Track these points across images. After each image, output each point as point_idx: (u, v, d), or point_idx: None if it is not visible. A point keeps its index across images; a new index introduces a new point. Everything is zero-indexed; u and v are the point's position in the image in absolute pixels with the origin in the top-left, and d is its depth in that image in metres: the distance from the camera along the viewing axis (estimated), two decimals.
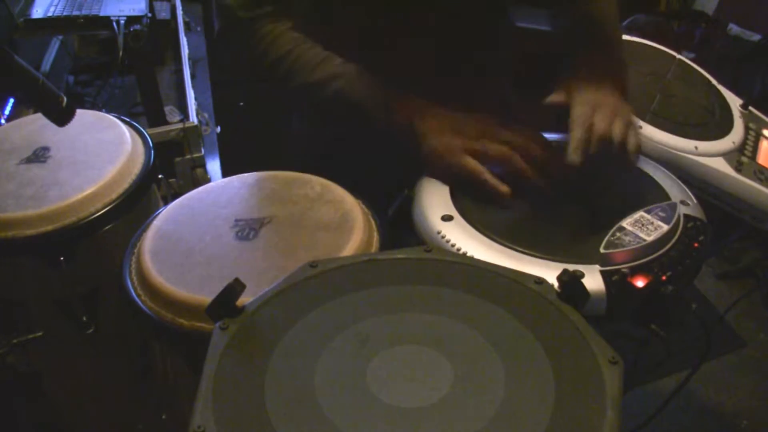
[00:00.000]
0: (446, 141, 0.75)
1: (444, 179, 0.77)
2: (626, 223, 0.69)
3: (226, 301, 0.54)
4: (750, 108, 1.00)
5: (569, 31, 0.91)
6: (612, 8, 0.90)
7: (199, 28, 2.19)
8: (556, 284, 0.56)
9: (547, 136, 0.86)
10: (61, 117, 0.77)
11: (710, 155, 0.88)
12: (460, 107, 0.79)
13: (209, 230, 0.76)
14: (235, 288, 0.54)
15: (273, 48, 0.82)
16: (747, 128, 0.96)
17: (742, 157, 0.90)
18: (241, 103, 2.53)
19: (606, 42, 0.86)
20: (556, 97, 0.77)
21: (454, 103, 0.79)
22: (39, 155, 0.93)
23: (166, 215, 0.79)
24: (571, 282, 0.54)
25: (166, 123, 1.57)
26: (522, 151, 0.74)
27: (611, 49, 0.85)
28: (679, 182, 0.80)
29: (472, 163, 0.74)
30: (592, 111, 0.74)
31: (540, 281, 0.57)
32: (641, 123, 0.89)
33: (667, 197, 0.75)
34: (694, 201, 0.76)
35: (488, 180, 0.73)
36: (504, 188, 0.72)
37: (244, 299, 0.55)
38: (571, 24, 0.91)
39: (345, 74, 0.80)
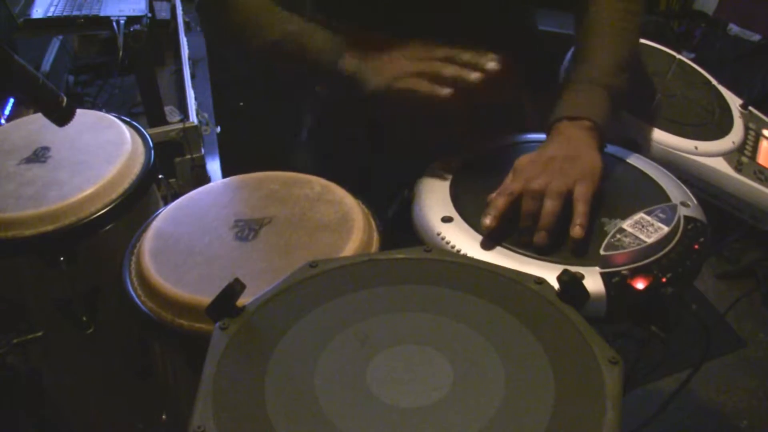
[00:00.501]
0: (385, 76, 0.76)
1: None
2: (626, 224, 0.69)
3: (226, 301, 0.54)
4: (750, 108, 1.00)
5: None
6: (623, 22, 0.84)
7: (199, 28, 2.19)
8: (556, 284, 0.56)
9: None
10: (61, 117, 0.77)
11: (710, 155, 0.88)
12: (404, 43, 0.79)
13: (209, 231, 0.76)
14: (234, 288, 0.54)
15: (241, 10, 0.83)
16: (747, 128, 0.96)
17: (742, 157, 0.90)
18: (241, 103, 2.53)
19: (588, 70, 0.81)
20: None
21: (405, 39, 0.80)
22: (39, 155, 0.93)
23: (166, 215, 0.79)
24: (571, 282, 0.54)
25: (166, 123, 1.57)
26: (450, 60, 0.75)
27: (589, 82, 0.80)
28: (680, 183, 0.79)
29: (407, 81, 0.75)
30: (543, 172, 0.71)
31: (540, 281, 0.57)
32: (641, 123, 0.89)
33: (667, 198, 0.75)
34: (695, 202, 0.76)
35: (424, 88, 0.73)
36: (443, 91, 0.72)
37: (244, 299, 0.55)
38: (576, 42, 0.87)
39: (299, 32, 0.81)
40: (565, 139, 0.75)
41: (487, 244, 0.68)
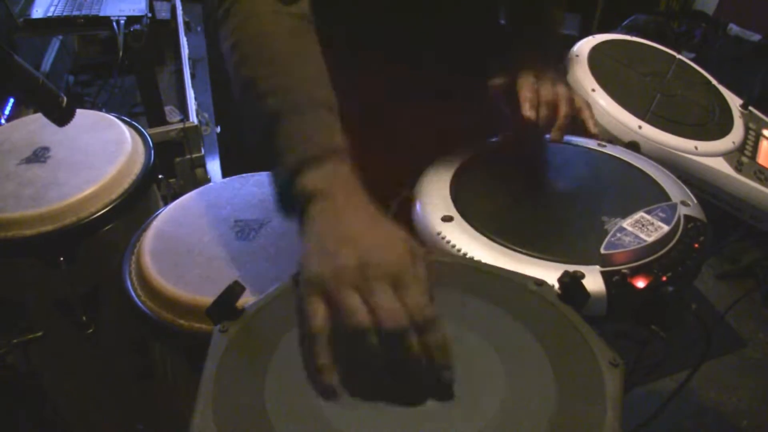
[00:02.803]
0: (318, 258, 0.51)
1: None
2: (627, 223, 0.69)
3: (226, 303, 0.54)
4: (750, 108, 1.00)
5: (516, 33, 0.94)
6: (554, 28, 0.94)
7: (199, 28, 2.19)
8: (556, 286, 0.56)
9: (547, 135, 0.86)
10: (61, 117, 0.77)
11: (710, 155, 0.88)
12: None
13: (209, 231, 0.76)
14: (234, 290, 0.54)
15: (245, 25, 0.64)
16: (747, 128, 0.96)
17: (742, 157, 0.90)
18: None
19: (545, 46, 0.89)
20: (499, 80, 0.84)
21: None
22: (39, 155, 0.93)
23: (166, 216, 0.79)
24: (571, 284, 0.54)
25: (166, 123, 1.56)
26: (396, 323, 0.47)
27: (549, 51, 0.89)
28: (680, 182, 0.79)
29: (318, 314, 0.49)
30: (536, 80, 0.81)
31: (540, 283, 0.57)
32: (641, 123, 0.89)
33: (667, 198, 0.75)
34: (695, 201, 0.76)
35: (317, 354, 0.48)
36: (330, 379, 0.47)
37: (244, 300, 0.55)
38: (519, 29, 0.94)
39: (292, 96, 0.61)
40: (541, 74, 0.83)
41: (487, 244, 0.68)
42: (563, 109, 0.80)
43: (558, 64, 0.94)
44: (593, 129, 0.81)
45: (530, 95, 0.80)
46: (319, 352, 0.47)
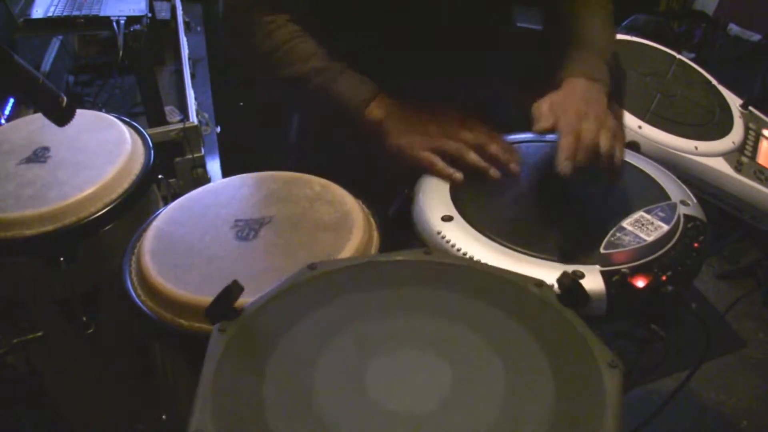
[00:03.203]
0: (410, 139, 0.81)
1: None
2: (626, 223, 0.69)
3: (225, 304, 0.54)
4: (750, 108, 1.00)
5: (556, 33, 0.91)
6: (601, 9, 0.90)
7: (199, 28, 2.19)
8: (556, 287, 0.56)
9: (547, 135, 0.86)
10: (61, 117, 0.77)
11: (710, 155, 0.88)
12: (430, 107, 0.84)
13: (209, 230, 0.76)
14: (233, 290, 0.54)
15: (270, 38, 0.85)
16: (747, 128, 0.96)
17: (742, 157, 0.90)
18: (241, 103, 2.53)
19: (591, 47, 0.86)
20: (544, 123, 0.77)
21: (431, 103, 0.84)
22: (39, 155, 0.93)
23: (166, 215, 0.79)
24: (571, 285, 0.54)
25: (166, 123, 1.56)
26: (477, 148, 0.79)
27: (596, 55, 0.85)
28: (679, 182, 0.80)
29: (425, 155, 0.79)
30: (578, 121, 0.74)
31: (540, 284, 0.57)
32: (641, 123, 0.89)
33: (667, 197, 0.75)
34: (694, 201, 0.76)
35: (439, 168, 0.78)
36: (456, 174, 0.78)
37: (244, 300, 0.55)
38: (558, 27, 0.91)
39: (328, 70, 0.84)
40: (585, 94, 0.79)
41: (487, 244, 0.68)
42: (605, 157, 0.73)
43: (609, 68, 0.85)
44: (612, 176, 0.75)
45: (569, 144, 0.72)
46: (443, 167, 0.79)
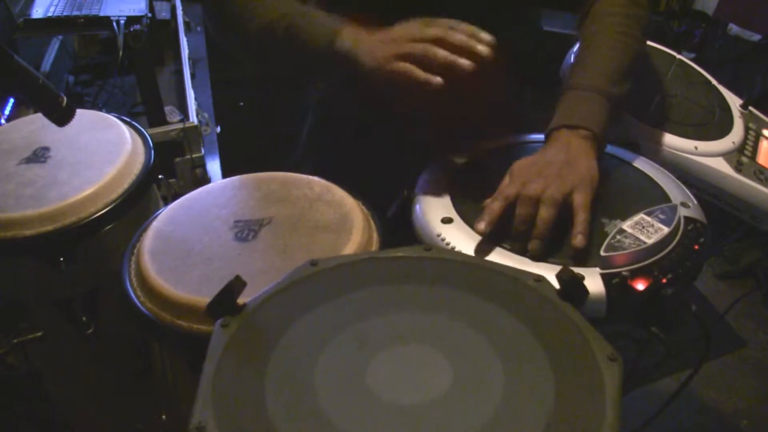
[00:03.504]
0: (377, 55, 0.75)
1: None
2: (626, 225, 0.69)
3: (227, 299, 0.54)
4: (750, 108, 1.00)
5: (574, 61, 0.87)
6: (627, 28, 0.83)
7: (199, 28, 2.19)
8: (555, 283, 0.56)
9: None
10: (61, 117, 0.77)
11: (710, 155, 0.88)
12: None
13: (209, 231, 0.76)
14: (235, 285, 0.54)
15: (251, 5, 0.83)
16: (747, 128, 0.96)
17: (742, 157, 0.90)
18: (241, 103, 2.53)
19: (585, 79, 0.80)
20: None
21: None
22: (39, 155, 0.93)
23: (166, 216, 0.79)
24: (570, 280, 0.54)
25: (166, 123, 1.56)
26: (440, 41, 0.72)
27: (587, 92, 0.79)
28: (680, 183, 0.79)
29: (401, 65, 0.72)
30: (526, 177, 0.71)
31: (539, 279, 0.57)
32: (641, 123, 0.89)
33: (667, 199, 0.75)
34: (695, 202, 0.76)
35: (417, 75, 0.71)
36: (435, 79, 0.70)
37: (244, 299, 0.55)
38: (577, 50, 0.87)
39: (295, 13, 0.81)
40: (564, 146, 0.74)
41: (487, 246, 0.68)
42: (542, 220, 0.68)
43: (608, 97, 0.78)
44: (573, 241, 0.68)
45: (497, 205, 0.69)
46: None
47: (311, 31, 0.79)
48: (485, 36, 0.73)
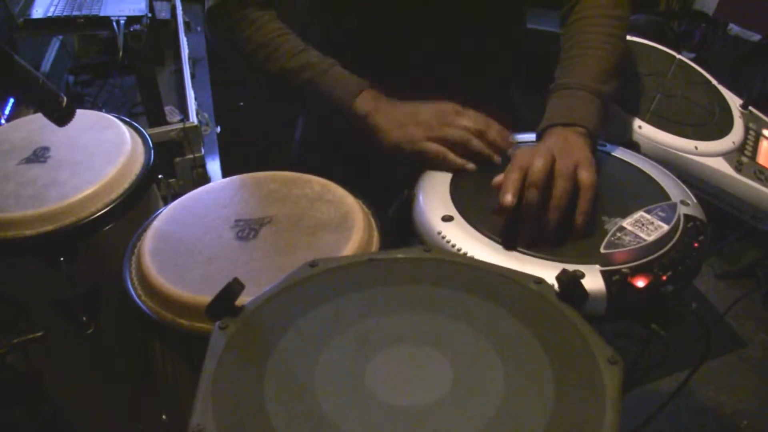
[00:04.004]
0: (407, 132, 0.79)
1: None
2: (626, 223, 0.69)
3: (225, 301, 0.54)
4: (750, 108, 1.00)
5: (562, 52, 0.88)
6: (612, 28, 0.85)
7: (199, 28, 2.19)
8: (555, 284, 0.56)
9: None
10: (61, 117, 0.77)
11: (710, 155, 0.88)
12: (420, 100, 0.82)
13: (209, 230, 0.76)
14: (234, 287, 0.54)
15: (258, 34, 0.85)
16: (747, 128, 0.96)
17: (742, 157, 0.90)
18: (241, 103, 2.53)
19: (577, 77, 0.81)
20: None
21: (414, 95, 0.82)
22: (39, 155, 0.93)
23: (166, 215, 0.79)
24: (570, 282, 0.54)
25: (166, 123, 1.57)
26: (478, 134, 0.79)
27: (580, 90, 0.80)
28: (679, 182, 0.80)
29: (434, 146, 0.78)
30: (530, 158, 0.69)
31: (539, 281, 0.57)
32: (641, 123, 0.89)
33: (667, 197, 0.75)
34: (694, 201, 0.76)
35: (451, 159, 0.78)
36: (469, 164, 0.78)
37: (244, 299, 0.55)
38: (563, 44, 0.88)
39: (318, 65, 0.83)
40: (561, 139, 0.75)
41: (487, 243, 0.68)
42: (559, 190, 0.67)
43: (599, 94, 0.80)
44: (576, 220, 0.68)
45: (512, 179, 0.68)
46: (454, 159, 0.78)
47: (332, 93, 0.82)
48: (513, 139, 0.81)
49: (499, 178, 0.70)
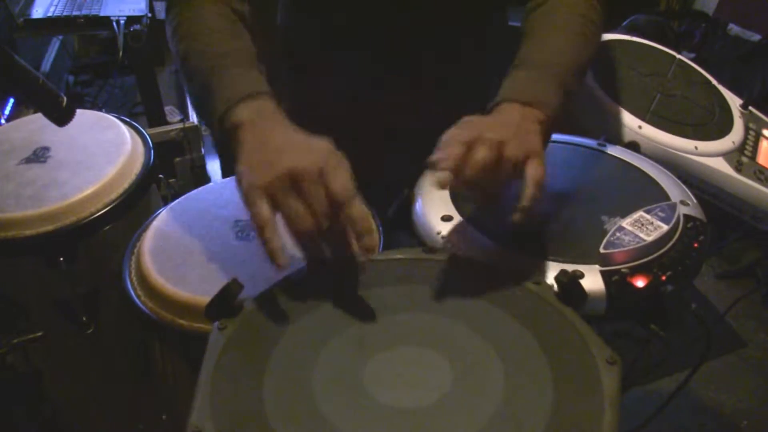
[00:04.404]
0: (251, 169, 0.59)
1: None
2: (626, 223, 0.69)
3: (224, 301, 0.54)
4: (750, 108, 1.00)
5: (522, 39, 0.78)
6: (578, 27, 0.75)
7: None
8: (554, 285, 0.56)
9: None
10: (61, 117, 0.77)
11: (710, 155, 0.88)
12: (308, 133, 0.62)
13: (209, 230, 0.76)
14: (232, 288, 0.54)
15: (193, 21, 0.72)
16: (747, 128, 0.96)
17: (742, 157, 0.90)
18: None
19: (540, 65, 0.71)
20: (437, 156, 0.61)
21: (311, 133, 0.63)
22: (39, 155, 0.93)
23: (166, 215, 0.79)
24: (569, 283, 0.54)
25: (166, 123, 1.57)
26: (330, 217, 0.57)
27: (544, 75, 0.70)
28: (679, 182, 0.80)
29: (262, 210, 0.57)
30: (479, 134, 0.60)
31: (538, 282, 0.57)
32: (641, 123, 0.89)
33: (666, 197, 0.75)
34: (694, 201, 0.76)
35: (267, 241, 0.56)
36: (280, 259, 0.56)
37: (243, 299, 0.55)
38: (525, 29, 0.79)
39: (234, 53, 0.68)
40: (515, 119, 0.64)
41: (487, 243, 0.68)
42: (499, 182, 0.60)
43: (564, 91, 0.69)
44: (513, 215, 0.59)
45: (456, 150, 0.59)
46: (270, 237, 0.56)
47: (224, 82, 0.65)
48: (374, 236, 0.58)
49: (440, 154, 0.59)
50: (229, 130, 0.63)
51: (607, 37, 1.04)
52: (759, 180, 0.88)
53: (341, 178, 0.57)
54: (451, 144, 0.59)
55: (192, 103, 0.76)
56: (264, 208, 0.57)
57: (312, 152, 0.59)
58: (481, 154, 0.58)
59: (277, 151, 0.59)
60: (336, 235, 0.59)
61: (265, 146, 0.60)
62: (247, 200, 0.59)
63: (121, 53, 1.45)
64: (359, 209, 0.57)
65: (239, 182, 0.60)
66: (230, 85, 0.64)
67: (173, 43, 0.74)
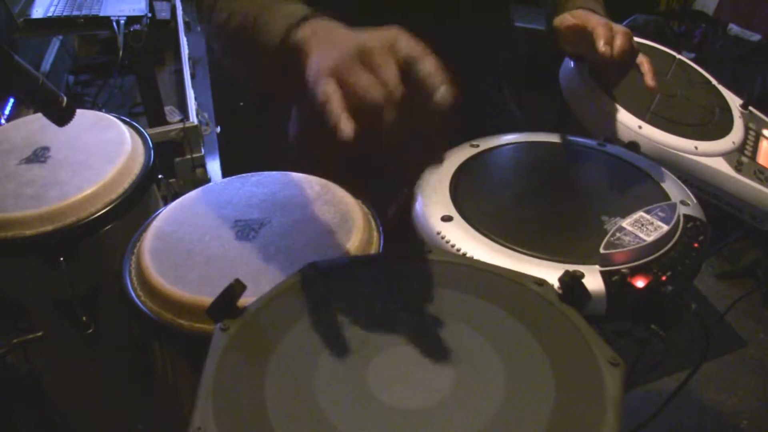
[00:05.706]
0: (319, 60, 0.57)
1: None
2: (626, 223, 0.69)
3: (227, 302, 0.54)
4: (750, 108, 1.00)
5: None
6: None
7: (199, 28, 2.19)
8: (556, 285, 0.56)
9: (547, 135, 0.86)
10: (61, 117, 0.77)
11: (710, 155, 0.88)
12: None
13: (209, 230, 0.76)
14: (235, 289, 0.54)
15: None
16: (747, 128, 0.96)
17: (742, 157, 0.90)
18: (241, 103, 2.52)
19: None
20: (570, 20, 0.86)
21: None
22: (39, 155, 0.93)
23: (166, 215, 0.79)
24: (572, 283, 0.54)
25: (166, 123, 1.57)
26: (400, 91, 0.53)
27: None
28: (679, 182, 0.80)
29: (327, 88, 0.53)
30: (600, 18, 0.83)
31: (541, 282, 0.57)
32: (641, 123, 0.89)
33: (667, 197, 0.75)
34: (694, 201, 0.76)
35: (331, 110, 0.52)
36: (346, 127, 0.52)
37: (244, 300, 0.55)
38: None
39: (267, 4, 0.67)
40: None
41: (487, 244, 0.68)
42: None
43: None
44: (651, 82, 0.85)
45: (603, 31, 0.82)
46: (334, 108, 0.52)
47: (272, 19, 0.64)
48: (446, 86, 0.56)
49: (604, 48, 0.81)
50: (295, 44, 0.61)
51: None
52: (759, 180, 0.88)
53: (411, 41, 0.56)
54: (597, 26, 0.82)
55: (236, 48, 0.72)
56: (330, 85, 0.53)
57: (379, 32, 0.58)
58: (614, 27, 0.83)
59: (344, 36, 0.58)
60: (405, 114, 0.54)
61: (332, 38, 0.59)
62: (315, 85, 0.54)
63: (121, 53, 1.45)
64: (433, 62, 0.55)
65: (309, 76, 0.56)
66: (287, 14, 0.64)
67: (215, 13, 0.72)
